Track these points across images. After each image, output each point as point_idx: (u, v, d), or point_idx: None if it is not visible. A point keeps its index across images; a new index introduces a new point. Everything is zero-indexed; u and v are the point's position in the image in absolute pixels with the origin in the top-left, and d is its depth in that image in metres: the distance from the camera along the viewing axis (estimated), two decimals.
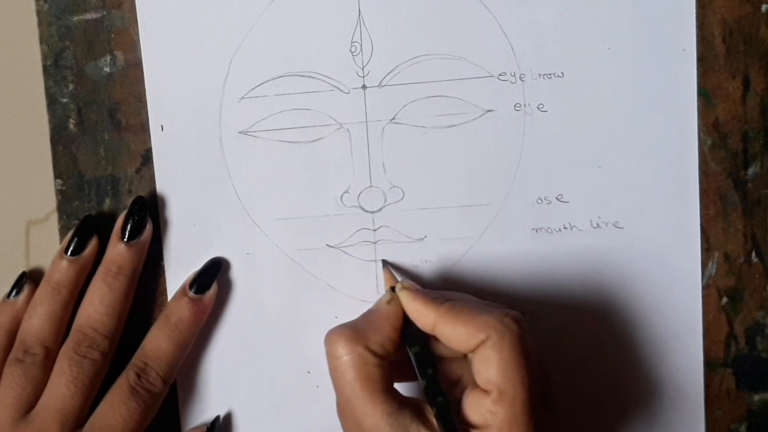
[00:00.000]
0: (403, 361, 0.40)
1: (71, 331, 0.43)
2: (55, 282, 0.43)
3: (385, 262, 0.44)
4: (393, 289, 0.41)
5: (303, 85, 0.44)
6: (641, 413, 0.45)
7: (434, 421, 0.38)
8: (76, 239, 0.43)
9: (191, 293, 0.44)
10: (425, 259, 0.44)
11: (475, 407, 0.37)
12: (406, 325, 0.40)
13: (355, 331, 0.39)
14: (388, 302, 0.40)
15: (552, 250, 0.44)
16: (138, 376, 0.42)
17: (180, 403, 0.45)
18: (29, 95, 0.45)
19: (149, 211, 0.44)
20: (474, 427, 0.37)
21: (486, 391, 0.37)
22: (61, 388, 0.41)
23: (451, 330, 0.38)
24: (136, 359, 0.43)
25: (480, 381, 0.37)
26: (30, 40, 0.44)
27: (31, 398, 0.42)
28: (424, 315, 0.39)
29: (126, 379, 0.42)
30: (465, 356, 0.39)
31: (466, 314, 0.38)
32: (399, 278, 0.42)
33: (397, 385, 0.40)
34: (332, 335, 0.39)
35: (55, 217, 0.45)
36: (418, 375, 0.39)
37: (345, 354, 0.38)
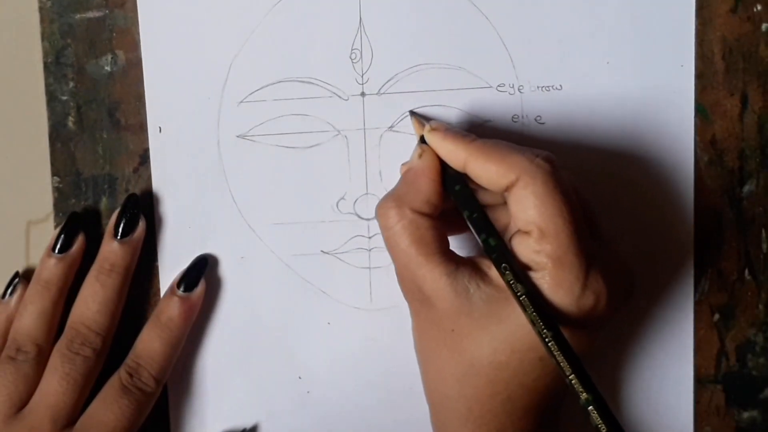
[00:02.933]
0: (452, 211, 0.39)
1: (65, 328, 0.43)
2: (44, 280, 0.43)
3: (412, 112, 0.43)
4: (423, 141, 0.40)
5: (302, 90, 0.44)
6: (630, 427, 0.45)
7: (491, 274, 0.37)
8: (62, 236, 0.43)
9: (180, 292, 0.44)
10: None
11: (522, 250, 0.36)
12: (444, 171, 0.39)
13: (398, 198, 0.38)
14: (420, 156, 0.39)
15: None
16: (130, 375, 0.42)
17: (170, 406, 0.45)
18: (29, 92, 0.45)
19: (144, 211, 0.44)
20: (527, 268, 0.36)
21: (527, 233, 0.36)
22: (54, 384, 0.42)
23: (481, 167, 0.37)
24: (129, 359, 0.43)
25: (520, 224, 0.37)
26: (31, 37, 0.44)
27: (23, 396, 0.42)
28: (455, 154, 0.38)
29: (118, 378, 0.42)
30: (504, 204, 0.39)
31: (498, 152, 0.37)
32: (426, 124, 0.41)
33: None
34: (380, 208, 0.39)
35: None
36: (464, 212, 0.38)
37: (396, 223, 0.38)
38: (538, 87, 0.43)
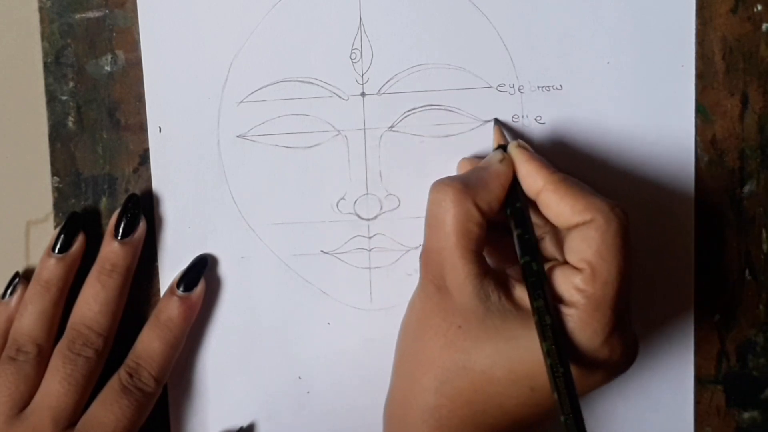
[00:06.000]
0: (497, 224, 0.39)
1: (66, 329, 0.43)
2: (44, 280, 0.43)
3: (497, 120, 0.43)
4: (502, 148, 0.40)
5: (302, 90, 0.44)
6: (631, 428, 0.45)
7: (515, 293, 0.37)
8: (62, 237, 0.43)
9: (179, 292, 0.44)
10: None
11: (563, 282, 0.37)
12: (513, 186, 0.39)
13: (465, 185, 0.38)
14: (501, 161, 0.39)
15: None
16: (130, 375, 0.42)
17: (170, 406, 0.46)
18: (29, 92, 0.45)
19: (144, 211, 0.44)
20: (559, 301, 0.36)
21: (578, 269, 0.36)
22: (55, 385, 0.42)
23: (557, 200, 0.37)
24: (129, 360, 0.43)
25: (573, 259, 0.37)
26: (31, 37, 0.44)
27: (25, 396, 0.42)
28: (534, 178, 0.38)
29: (118, 378, 0.42)
30: (542, 239, 0.39)
31: (578, 190, 0.37)
32: (510, 138, 0.41)
33: None
34: (442, 184, 0.38)
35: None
36: (516, 230, 0.38)
37: (451, 205, 0.38)
38: (538, 87, 0.43)
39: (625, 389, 0.45)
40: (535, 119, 0.44)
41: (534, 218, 0.39)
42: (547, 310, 0.35)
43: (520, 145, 0.40)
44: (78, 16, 0.44)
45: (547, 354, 0.35)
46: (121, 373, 0.42)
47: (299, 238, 0.45)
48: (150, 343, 0.43)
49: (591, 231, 0.36)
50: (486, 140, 0.44)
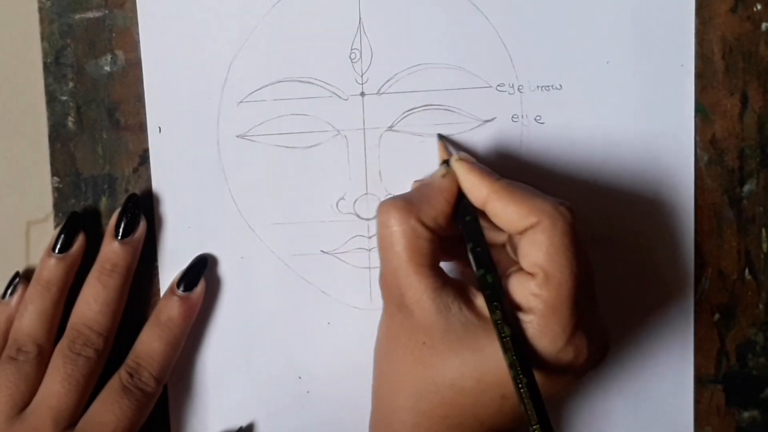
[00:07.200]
0: (450, 239, 0.39)
1: (66, 329, 0.43)
2: (44, 280, 0.43)
3: (440, 136, 0.43)
4: (446, 162, 0.40)
5: (302, 90, 0.44)
6: (630, 427, 0.45)
7: (476, 302, 0.37)
8: (62, 237, 0.44)
9: (179, 291, 0.44)
10: None
11: (519, 289, 0.37)
12: (459, 199, 0.39)
13: (409, 203, 0.38)
14: (443, 176, 0.40)
15: None
16: (131, 375, 0.42)
17: (170, 406, 0.46)
18: (29, 92, 0.45)
19: (144, 211, 0.44)
20: (517, 308, 0.36)
21: (531, 274, 0.36)
22: (56, 385, 0.42)
23: (503, 207, 0.37)
24: (129, 359, 0.43)
25: (526, 264, 0.37)
26: (31, 38, 0.44)
27: (25, 396, 0.42)
28: (478, 189, 0.38)
29: (119, 378, 0.42)
30: (503, 246, 0.39)
31: (521, 195, 0.37)
32: (453, 152, 0.41)
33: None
34: (386, 205, 0.39)
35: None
36: (468, 243, 0.38)
37: (396, 225, 0.38)
38: (538, 87, 0.43)
39: (625, 389, 0.45)
40: (535, 119, 0.44)
41: (491, 225, 0.39)
42: (506, 321, 0.35)
43: (461, 159, 0.40)
44: (78, 16, 0.44)
45: (510, 366, 0.35)
46: (122, 373, 0.42)
47: (299, 238, 0.45)
48: (150, 343, 0.43)
49: (538, 234, 0.36)
50: (486, 140, 0.44)
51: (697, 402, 0.45)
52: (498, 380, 0.36)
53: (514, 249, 0.39)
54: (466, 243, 0.38)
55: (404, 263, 0.38)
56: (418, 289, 0.37)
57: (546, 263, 0.36)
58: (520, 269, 0.37)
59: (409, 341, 0.38)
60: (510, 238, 0.40)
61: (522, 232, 0.37)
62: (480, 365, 0.36)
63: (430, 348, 0.37)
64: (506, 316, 0.36)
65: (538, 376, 0.35)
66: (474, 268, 0.37)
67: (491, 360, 0.36)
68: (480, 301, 0.37)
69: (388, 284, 0.39)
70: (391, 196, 0.40)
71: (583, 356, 0.37)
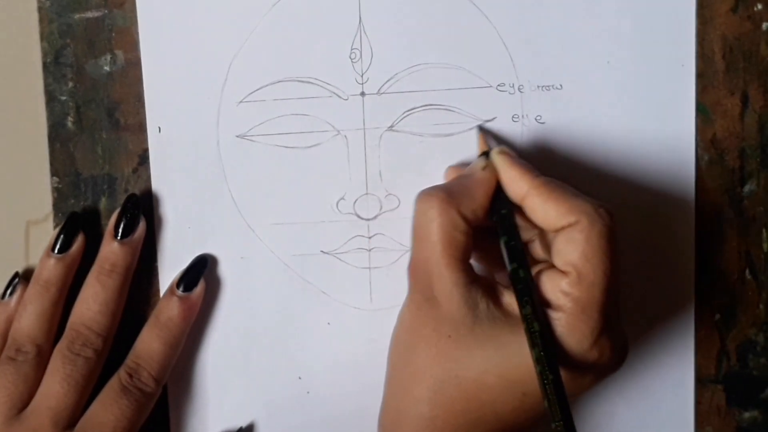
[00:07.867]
0: (483, 231, 0.39)
1: (66, 329, 0.43)
2: (43, 280, 0.43)
3: (481, 127, 0.43)
4: (486, 154, 0.40)
5: (302, 90, 0.44)
6: (631, 427, 0.45)
7: (503, 299, 0.37)
8: (62, 237, 0.43)
9: (179, 292, 0.44)
10: None
11: (549, 287, 0.37)
12: (497, 192, 0.39)
13: (450, 194, 0.38)
14: (484, 168, 0.39)
15: None
16: (130, 376, 0.42)
17: (170, 406, 0.46)
18: (28, 92, 0.45)
19: (143, 211, 0.44)
20: (546, 305, 0.36)
21: (564, 273, 0.36)
22: (55, 385, 0.42)
23: (541, 204, 0.37)
24: (128, 360, 0.43)
25: (559, 262, 0.37)
26: (30, 37, 0.44)
27: (24, 396, 0.42)
28: (518, 183, 0.38)
29: (118, 379, 0.42)
30: (527, 243, 0.39)
31: (562, 193, 0.37)
32: (494, 144, 0.41)
33: None
34: (426, 194, 0.38)
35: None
36: (503, 237, 0.38)
37: (437, 215, 0.38)
38: (538, 86, 0.43)
39: (626, 389, 0.45)
40: (535, 119, 0.44)
41: (523, 221, 0.39)
42: (535, 317, 0.35)
43: (502, 152, 0.40)
44: (77, 16, 0.44)
45: (537, 361, 0.35)
46: (121, 373, 0.42)
47: (299, 238, 0.45)
48: (150, 344, 0.43)
49: (575, 233, 0.36)
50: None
51: (698, 402, 0.45)
52: (521, 378, 0.36)
53: (545, 246, 0.39)
54: (499, 236, 0.38)
55: (438, 254, 0.38)
56: (448, 282, 0.37)
57: (580, 263, 0.36)
58: (551, 267, 0.37)
59: (434, 333, 0.38)
60: (541, 235, 0.39)
61: (558, 231, 0.37)
62: (504, 362, 0.36)
63: (455, 342, 0.37)
64: (536, 312, 0.36)
65: (561, 374, 0.35)
66: (507, 261, 0.37)
67: (516, 357, 0.36)
68: (508, 299, 0.38)
69: (418, 274, 0.38)
70: (430, 186, 0.39)
71: (606, 358, 0.37)
